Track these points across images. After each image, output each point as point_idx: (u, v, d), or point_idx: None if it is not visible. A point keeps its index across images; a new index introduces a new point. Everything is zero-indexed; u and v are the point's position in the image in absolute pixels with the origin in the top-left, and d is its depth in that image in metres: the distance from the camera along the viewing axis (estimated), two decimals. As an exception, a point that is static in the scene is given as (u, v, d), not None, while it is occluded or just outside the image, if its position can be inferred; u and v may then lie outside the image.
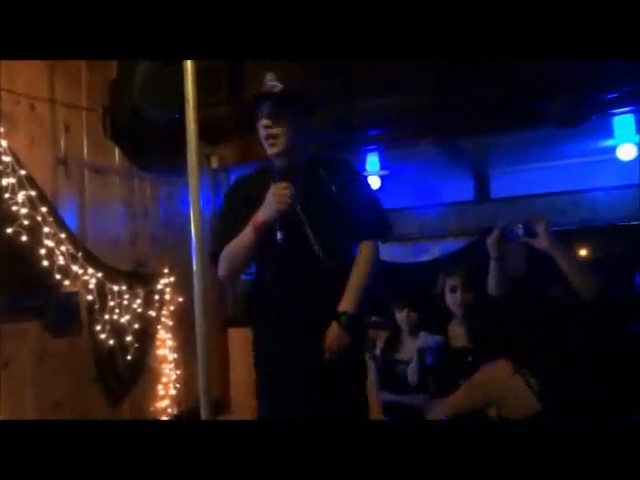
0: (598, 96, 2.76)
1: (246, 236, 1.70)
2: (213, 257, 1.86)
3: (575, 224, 4.11)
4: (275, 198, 1.63)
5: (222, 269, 1.79)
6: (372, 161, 4.01)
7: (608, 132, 3.44)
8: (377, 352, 2.69)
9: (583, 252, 4.13)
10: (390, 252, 4.72)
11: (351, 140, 3.39)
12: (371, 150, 3.85)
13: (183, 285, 3.23)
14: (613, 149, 3.56)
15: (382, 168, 4.05)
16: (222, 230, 1.84)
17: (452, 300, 2.40)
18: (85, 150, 2.99)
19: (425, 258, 4.57)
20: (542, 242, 1.94)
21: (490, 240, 2.05)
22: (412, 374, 2.49)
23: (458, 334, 2.40)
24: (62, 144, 2.86)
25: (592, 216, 4.19)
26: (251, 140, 3.76)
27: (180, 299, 3.36)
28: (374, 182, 4.04)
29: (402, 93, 3.01)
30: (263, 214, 1.67)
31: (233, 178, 3.98)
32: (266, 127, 1.72)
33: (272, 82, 1.76)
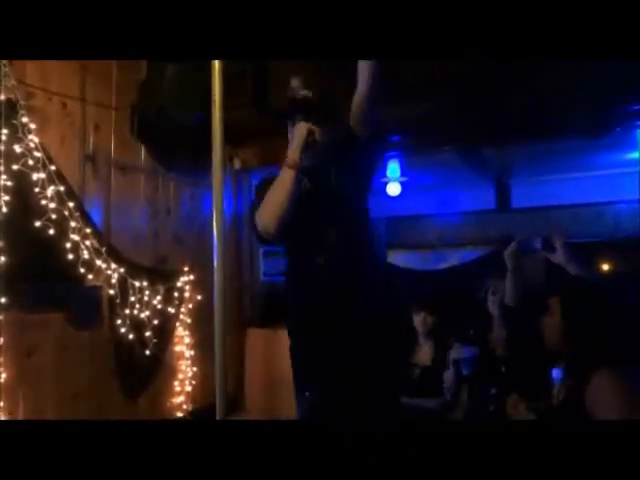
0: (622, 107, 2.74)
1: (281, 177, 1.70)
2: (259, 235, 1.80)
3: (598, 237, 4.06)
4: (298, 131, 1.71)
5: (265, 217, 1.68)
6: (393, 167, 4.03)
7: (632, 144, 3.40)
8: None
9: (606, 266, 4.08)
10: (408, 259, 4.73)
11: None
12: (392, 156, 3.86)
13: (202, 284, 3.29)
14: (637, 162, 3.52)
15: (402, 175, 4.06)
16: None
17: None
18: (112, 148, 3.08)
19: (443, 266, 4.56)
20: (559, 257, 1.97)
21: (507, 252, 2.08)
22: (448, 383, 2.48)
23: (496, 342, 2.37)
24: (91, 142, 2.95)
25: (615, 229, 4.14)
26: (274, 143, 3.84)
27: (199, 297, 3.42)
28: (394, 188, 4.06)
29: (424, 100, 3.02)
30: (291, 150, 1.71)
31: (255, 180, 4.08)
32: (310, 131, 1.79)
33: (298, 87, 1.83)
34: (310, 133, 1.70)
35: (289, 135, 1.89)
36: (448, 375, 2.48)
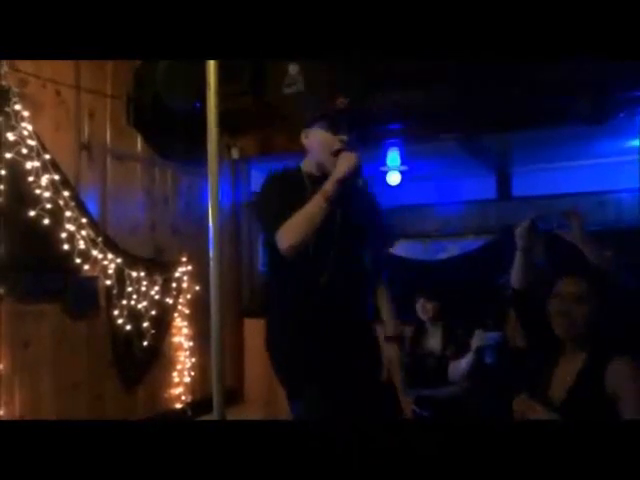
0: (625, 94, 2.70)
1: (315, 205, 1.69)
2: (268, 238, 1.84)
3: (599, 225, 4.03)
4: (346, 162, 1.68)
5: (289, 240, 1.71)
6: (393, 156, 3.98)
7: (634, 131, 3.36)
8: (405, 348, 2.63)
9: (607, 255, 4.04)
10: (409, 248, 4.70)
11: (372, 134, 3.37)
12: (392, 145, 3.82)
13: (200, 274, 3.26)
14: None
15: (403, 163, 4.02)
16: (278, 210, 1.79)
17: None
18: (108, 137, 3.04)
19: (443, 256, 4.53)
20: (576, 236, 1.92)
21: (519, 230, 1.99)
22: (465, 372, 2.39)
23: (519, 333, 2.29)
24: (86, 130, 2.91)
25: (617, 218, 4.11)
26: (272, 132, 3.80)
27: (197, 288, 3.39)
28: (394, 177, 4.02)
29: (425, 88, 2.98)
30: (332, 182, 1.68)
31: (255, 170, 4.04)
32: (342, 141, 1.76)
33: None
34: (357, 168, 1.68)
35: (304, 139, 1.84)
36: (467, 363, 2.36)
